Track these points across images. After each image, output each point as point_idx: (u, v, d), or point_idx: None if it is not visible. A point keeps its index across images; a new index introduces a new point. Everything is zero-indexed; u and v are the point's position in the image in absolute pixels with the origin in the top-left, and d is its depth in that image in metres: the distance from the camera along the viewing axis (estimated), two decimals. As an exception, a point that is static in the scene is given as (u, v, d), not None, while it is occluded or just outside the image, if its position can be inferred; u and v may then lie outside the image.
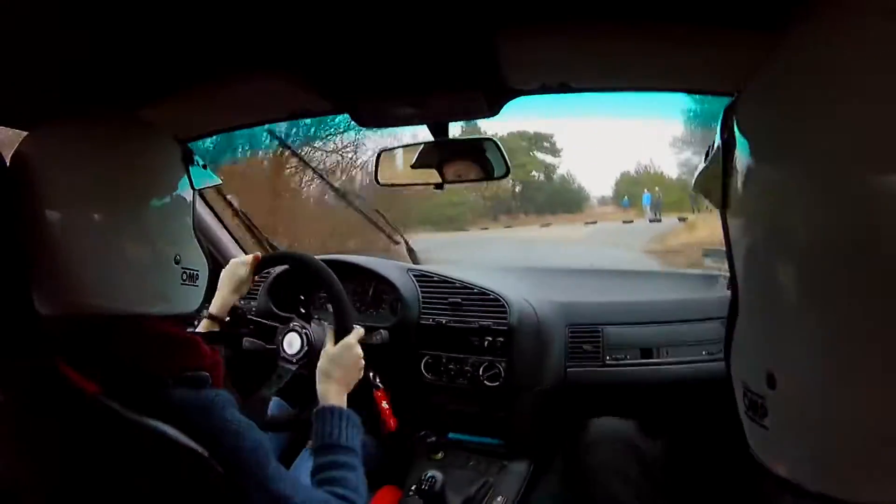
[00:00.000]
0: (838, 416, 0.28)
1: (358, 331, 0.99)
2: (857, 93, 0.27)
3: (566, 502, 1.18)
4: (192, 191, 0.71)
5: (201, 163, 0.75)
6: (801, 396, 0.30)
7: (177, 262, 0.66)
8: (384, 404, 1.14)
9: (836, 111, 0.27)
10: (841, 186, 0.26)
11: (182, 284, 0.67)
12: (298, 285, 1.35)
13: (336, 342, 0.98)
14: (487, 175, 1.06)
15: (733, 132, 0.34)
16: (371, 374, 1.19)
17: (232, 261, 1.13)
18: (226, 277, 1.09)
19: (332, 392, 0.87)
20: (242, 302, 1.39)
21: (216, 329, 1.08)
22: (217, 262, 1.42)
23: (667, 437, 1.12)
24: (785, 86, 0.30)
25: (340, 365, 0.91)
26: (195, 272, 0.69)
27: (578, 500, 0.97)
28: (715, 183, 0.36)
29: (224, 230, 1.55)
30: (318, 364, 0.92)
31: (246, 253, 1.56)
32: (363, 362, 0.96)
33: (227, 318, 1.10)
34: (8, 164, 0.60)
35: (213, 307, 1.07)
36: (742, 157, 0.33)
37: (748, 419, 0.35)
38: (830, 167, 0.27)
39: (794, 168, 0.29)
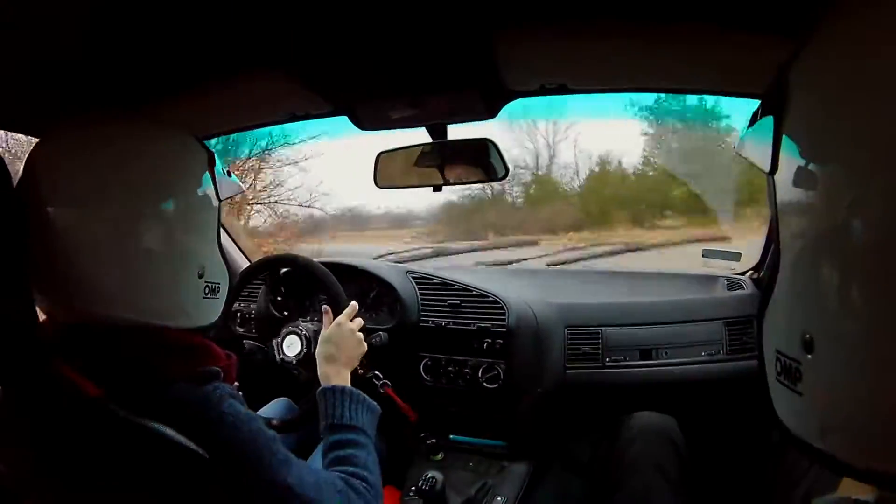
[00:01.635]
0: (876, 384, 0.27)
1: (351, 306, 0.97)
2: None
3: (566, 503, 1.17)
4: (217, 198, 0.69)
5: (224, 168, 0.73)
6: (839, 361, 0.29)
7: (200, 276, 0.65)
8: (397, 399, 1.14)
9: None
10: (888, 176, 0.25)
11: (204, 298, 0.66)
12: (298, 288, 1.35)
13: None
14: (487, 176, 1.06)
15: (786, 97, 0.32)
16: (373, 374, 1.20)
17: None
18: None
19: (332, 372, 0.85)
20: (242, 305, 1.40)
21: None
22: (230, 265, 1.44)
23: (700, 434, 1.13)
24: (838, 61, 0.29)
25: (335, 342, 0.90)
26: (217, 285, 0.68)
27: (604, 488, 0.97)
28: (762, 148, 0.35)
29: (228, 237, 1.56)
30: (316, 350, 0.91)
31: (249, 261, 1.57)
32: (360, 335, 0.94)
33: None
34: (22, 169, 0.59)
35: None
36: (795, 127, 0.32)
37: (780, 385, 0.34)
38: (882, 156, 0.26)
39: (847, 151, 0.28)
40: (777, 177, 0.34)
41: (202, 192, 0.67)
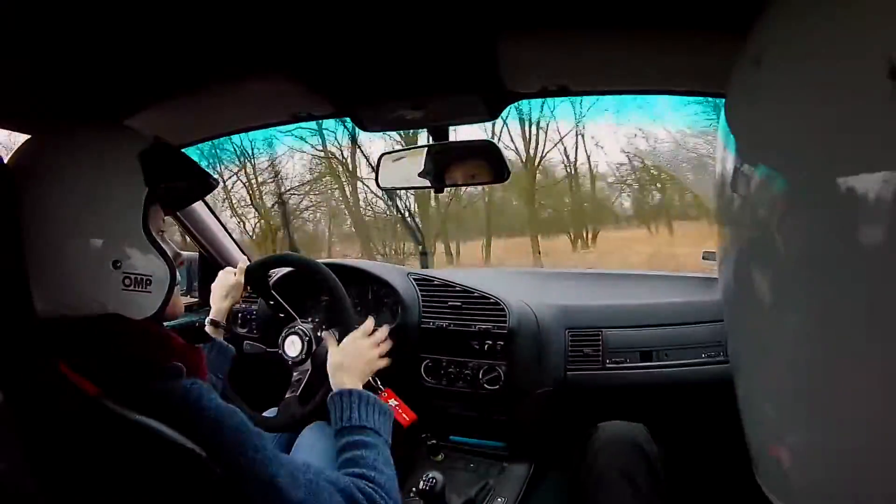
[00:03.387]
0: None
1: (367, 323, 0.99)
2: (809, 90, 0.26)
3: (566, 504, 1.17)
4: (144, 189, 0.65)
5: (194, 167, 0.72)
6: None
7: (116, 267, 0.63)
8: (392, 402, 1.14)
9: (794, 113, 0.27)
10: (810, 187, 0.26)
11: (124, 290, 0.63)
12: (300, 288, 1.35)
13: (339, 340, 1.00)
14: (488, 178, 1.06)
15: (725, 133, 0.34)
16: (372, 378, 1.20)
17: (221, 271, 1.18)
18: (216, 286, 1.16)
19: (345, 381, 0.86)
20: (243, 305, 1.40)
21: (221, 334, 1.11)
22: (220, 265, 1.44)
23: (670, 441, 1.12)
24: (752, 86, 0.31)
25: (349, 354, 0.91)
26: (143, 277, 0.65)
27: (580, 502, 0.96)
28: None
29: (226, 234, 1.56)
30: (329, 360, 0.92)
31: (246, 255, 1.58)
32: (375, 352, 0.96)
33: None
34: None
35: (212, 314, 1.13)
36: (726, 156, 0.33)
37: None
38: (798, 167, 0.27)
39: (768, 167, 0.29)
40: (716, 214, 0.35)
41: (116, 181, 0.64)
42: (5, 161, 0.60)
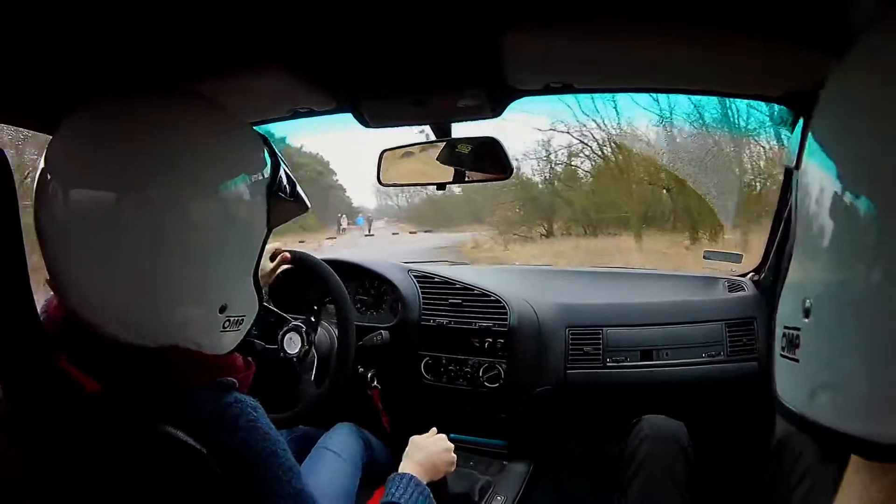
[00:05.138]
0: (869, 348, 0.28)
1: (432, 432, 1.01)
2: None
3: (566, 502, 1.18)
4: (267, 224, 0.60)
5: (288, 187, 0.63)
6: (832, 320, 0.30)
7: (221, 312, 0.57)
8: (379, 404, 1.15)
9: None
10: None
11: (221, 332, 0.58)
12: (299, 285, 1.34)
13: (339, 339, 1.03)
14: (491, 175, 1.06)
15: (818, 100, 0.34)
16: (369, 375, 1.20)
17: None
18: None
19: (416, 470, 0.88)
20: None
21: None
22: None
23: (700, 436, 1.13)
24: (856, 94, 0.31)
25: (430, 452, 0.94)
26: (241, 318, 0.60)
27: (606, 493, 0.98)
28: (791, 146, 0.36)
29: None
30: (409, 449, 0.94)
31: None
32: (453, 456, 0.98)
33: None
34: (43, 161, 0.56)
35: None
36: (825, 131, 0.33)
37: (782, 360, 0.35)
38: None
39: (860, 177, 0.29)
40: (801, 173, 0.35)
41: (249, 211, 0.57)
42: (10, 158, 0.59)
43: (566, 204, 8.54)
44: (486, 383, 1.23)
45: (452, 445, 0.99)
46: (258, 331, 1.35)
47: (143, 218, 0.50)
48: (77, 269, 0.53)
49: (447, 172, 1.06)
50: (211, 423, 0.56)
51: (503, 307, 1.25)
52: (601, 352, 1.25)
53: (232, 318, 0.58)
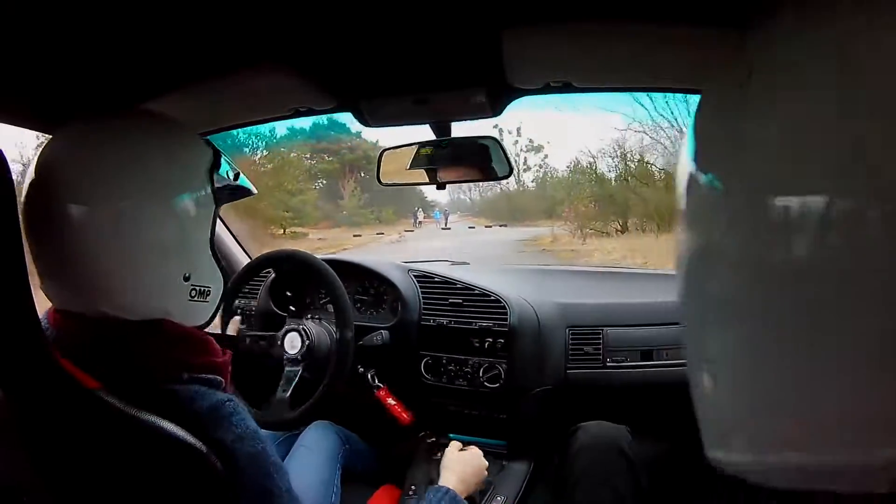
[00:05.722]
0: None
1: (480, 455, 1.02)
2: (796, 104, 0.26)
3: (566, 502, 1.17)
4: (214, 202, 0.68)
5: (231, 174, 0.72)
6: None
7: (186, 280, 0.64)
8: (390, 401, 1.15)
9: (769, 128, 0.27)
10: (764, 203, 0.26)
11: (190, 301, 0.65)
12: (299, 285, 1.34)
13: (338, 339, 1.05)
14: (490, 175, 1.06)
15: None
16: (370, 375, 1.20)
17: None
18: None
19: (453, 482, 0.90)
20: (243, 302, 1.39)
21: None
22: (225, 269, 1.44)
23: (662, 442, 1.11)
24: (737, 94, 0.30)
25: (468, 465, 0.96)
26: (206, 289, 0.67)
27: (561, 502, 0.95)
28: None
29: (230, 236, 1.55)
30: (449, 462, 0.96)
31: (251, 258, 1.57)
32: (486, 473, 1.01)
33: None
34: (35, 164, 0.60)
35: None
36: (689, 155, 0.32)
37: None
38: (756, 182, 0.27)
39: (729, 176, 0.29)
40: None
41: (197, 194, 0.65)
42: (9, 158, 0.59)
43: (641, 201, 8.60)
44: (486, 383, 1.22)
45: (487, 463, 1.01)
46: (258, 330, 1.35)
47: (116, 221, 0.58)
48: (87, 264, 0.58)
49: (447, 172, 1.06)
50: (208, 420, 0.58)
51: (503, 307, 1.24)
52: (601, 352, 1.24)
53: (198, 288, 0.65)
